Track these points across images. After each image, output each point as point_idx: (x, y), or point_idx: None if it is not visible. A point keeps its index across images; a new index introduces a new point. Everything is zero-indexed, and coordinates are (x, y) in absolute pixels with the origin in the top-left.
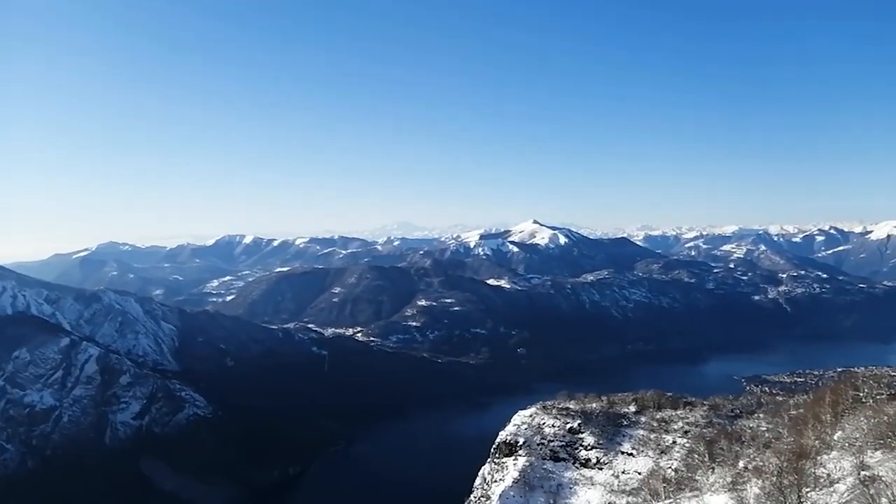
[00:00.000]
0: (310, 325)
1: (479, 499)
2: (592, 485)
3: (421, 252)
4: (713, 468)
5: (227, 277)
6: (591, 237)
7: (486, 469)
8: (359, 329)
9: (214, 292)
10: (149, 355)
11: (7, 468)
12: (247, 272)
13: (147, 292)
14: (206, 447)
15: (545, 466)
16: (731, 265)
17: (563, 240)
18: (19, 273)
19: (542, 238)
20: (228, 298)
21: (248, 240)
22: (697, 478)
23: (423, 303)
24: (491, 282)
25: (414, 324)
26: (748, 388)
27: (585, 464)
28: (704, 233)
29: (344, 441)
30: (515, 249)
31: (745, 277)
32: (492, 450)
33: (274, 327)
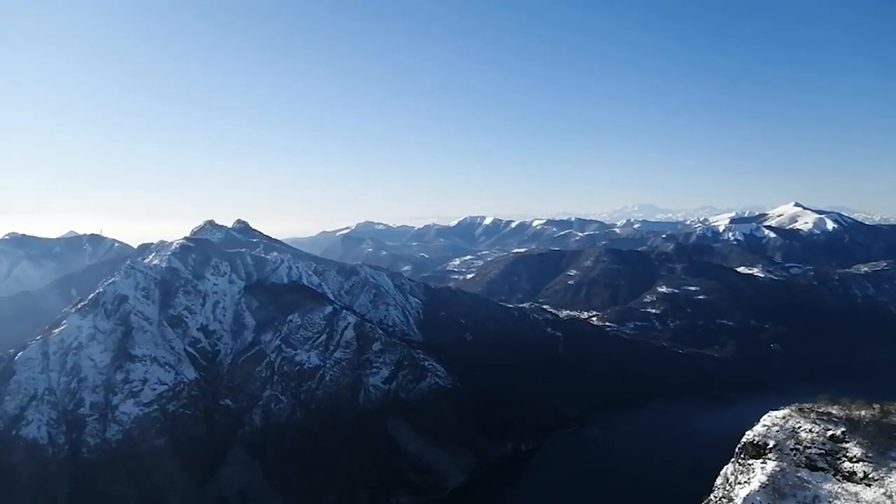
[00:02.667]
0: (544, 306)
1: (719, 500)
2: (857, 502)
3: (663, 236)
4: None
5: (468, 256)
6: (866, 223)
7: (728, 469)
8: (594, 313)
9: (456, 270)
10: (397, 326)
11: (281, 416)
12: (486, 252)
13: (397, 268)
14: (445, 415)
15: (799, 474)
16: None
17: (830, 225)
18: (293, 248)
19: (805, 223)
20: (468, 276)
21: (487, 221)
22: None
23: (663, 289)
24: (741, 269)
25: (653, 311)
26: None
27: (849, 477)
28: None
29: (576, 424)
30: (772, 235)
31: None
32: (736, 449)
33: (510, 306)
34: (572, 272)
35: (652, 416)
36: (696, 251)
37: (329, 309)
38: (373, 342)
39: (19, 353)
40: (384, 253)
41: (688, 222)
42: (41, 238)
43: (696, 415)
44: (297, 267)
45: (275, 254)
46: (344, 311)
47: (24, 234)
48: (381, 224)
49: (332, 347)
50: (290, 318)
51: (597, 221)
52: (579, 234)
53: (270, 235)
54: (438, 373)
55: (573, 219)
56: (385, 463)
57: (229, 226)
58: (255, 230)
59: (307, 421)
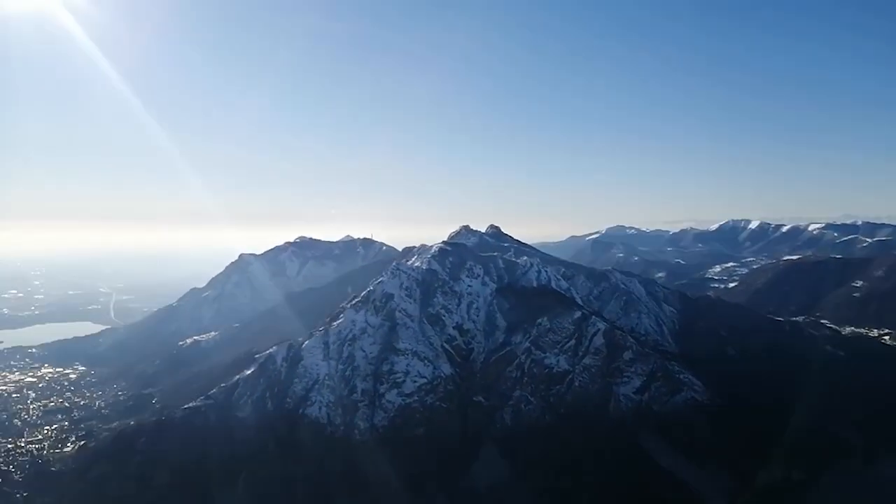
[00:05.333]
0: (822, 321)
1: None
2: None
3: None
4: None
5: (730, 264)
6: None
7: None
8: (886, 331)
9: (716, 278)
10: (649, 335)
11: (530, 418)
12: (751, 259)
13: (649, 274)
14: (701, 433)
15: None
16: None
17: None
18: (542, 252)
19: None
20: (731, 285)
21: (753, 224)
22: None
23: None
24: None
25: None
26: None
27: None
28: None
29: (863, 456)
30: None
31: None
32: None
33: (780, 319)
34: (858, 283)
35: None
36: None
37: (578, 314)
38: (623, 350)
39: (306, 342)
40: (636, 258)
41: None
42: (324, 241)
43: None
44: (547, 271)
45: (525, 258)
46: (593, 316)
47: (311, 238)
48: (633, 228)
49: (580, 353)
50: (539, 321)
51: (890, 225)
52: (867, 240)
53: (520, 240)
54: (695, 387)
55: (859, 222)
56: (636, 475)
57: (483, 230)
58: (506, 235)
59: (556, 424)
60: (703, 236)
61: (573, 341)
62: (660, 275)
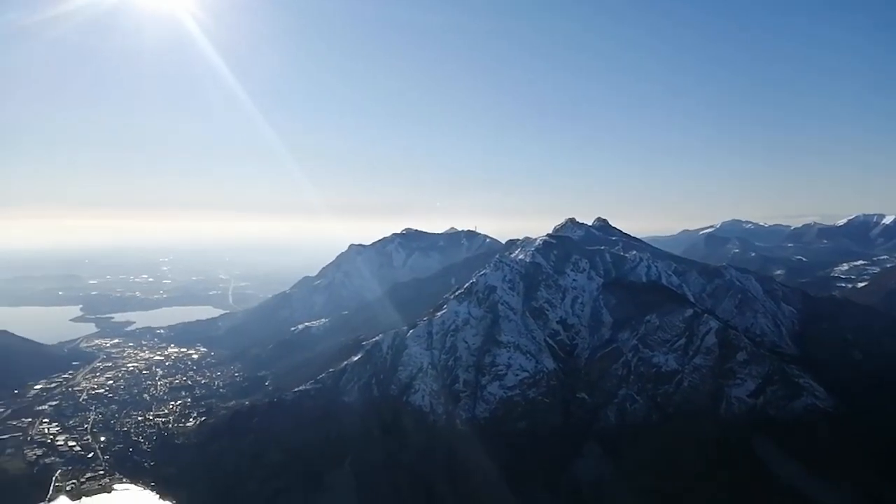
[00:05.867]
0: None
1: None
2: None
3: None
4: None
5: (859, 262)
6: None
7: None
8: None
9: (843, 277)
10: (766, 335)
11: (635, 417)
12: (884, 257)
13: (767, 271)
14: (823, 441)
15: None
16: None
17: None
18: (652, 247)
19: None
20: (859, 285)
21: (887, 220)
22: None
23: None
24: None
25: None
26: None
27: None
28: None
29: None
30: None
31: None
32: None
33: None
34: None
35: None
36: None
37: (689, 311)
38: (737, 351)
39: (410, 331)
40: (752, 254)
41: None
42: (429, 233)
43: None
44: (656, 266)
45: (633, 252)
46: (705, 314)
47: (416, 230)
48: (750, 223)
49: (691, 352)
50: (647, 318)
51: None
52: None
53: (629, 233)
54: (816, 392)
55: None
56: (750, 482)
57: (589, 223)
58: (614, 228)
59: (663, 425)
60: (828, 232)
61: (683, 340)
62: (779, 272)
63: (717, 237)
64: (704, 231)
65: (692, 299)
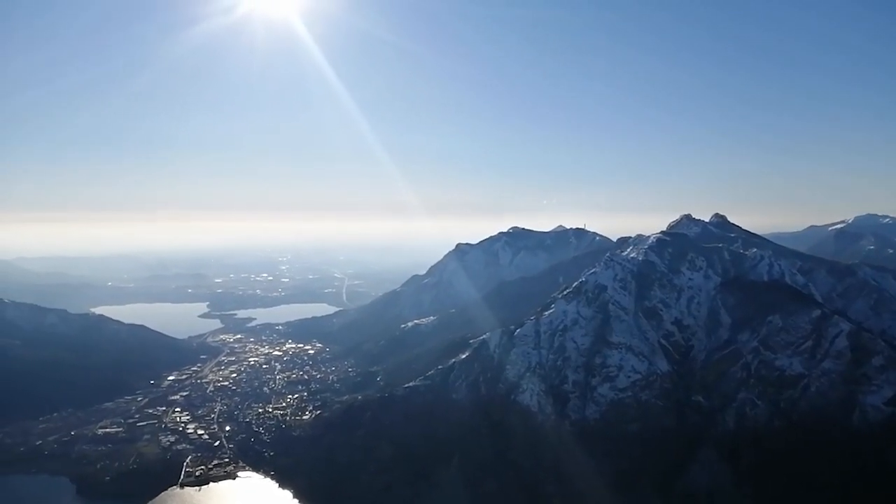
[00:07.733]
0: None
1: None
2: None
3: None
4: None
5: None
6: None
7: None
8: None
9: None
10: None
11: (756, 422)
12: None
13: None
14: None
15: None
16: None
17: None
18: (775, 244)
19: None
20: None
21: None
22: None
23: None
24: None
25: None
26: None
27: None
28: None
29: None
30: None
31: None
32: None
33: None
34: None
35: None
36: None
37: (817, 313)
38: (872, 355)
39: (518, 330)
40: (891, 251)
41: None
42: (536, 232)
43: None
44: (780, 264)
45: (754, 249)
46: (835, 316)
47: (523, 228)
48: (889, 217)
49: (818, 356)
50: (769, 318)
51: None
52: None
53: (749, 230)
54: None
55: None
56: (882, 496)
57: (706, 220)
58: (732, 224)
59: (787, 432)
60: None
61: (810, 342)
62: None
63: (850, 233)
64: (835, 227)
65: (820, 300)
